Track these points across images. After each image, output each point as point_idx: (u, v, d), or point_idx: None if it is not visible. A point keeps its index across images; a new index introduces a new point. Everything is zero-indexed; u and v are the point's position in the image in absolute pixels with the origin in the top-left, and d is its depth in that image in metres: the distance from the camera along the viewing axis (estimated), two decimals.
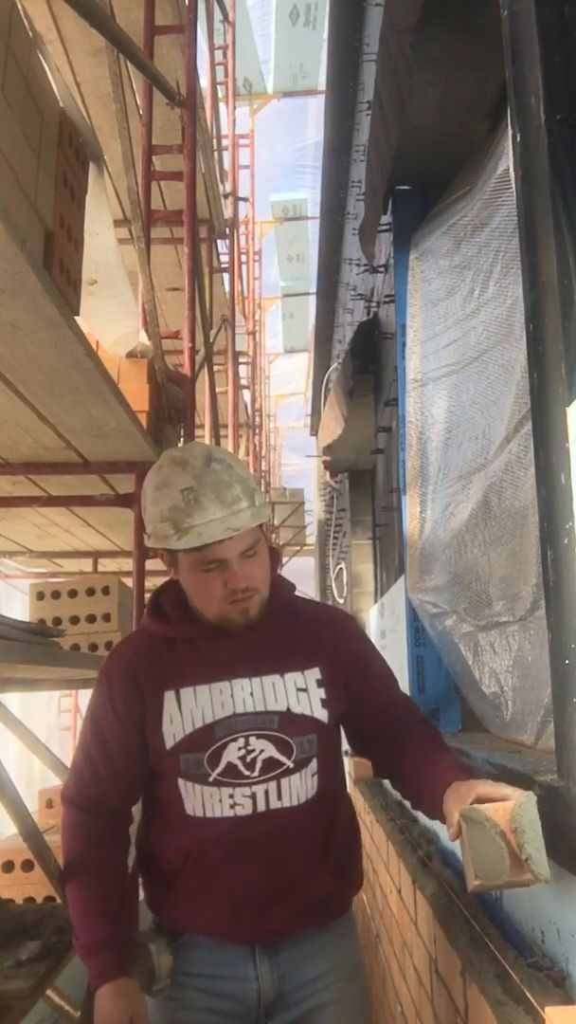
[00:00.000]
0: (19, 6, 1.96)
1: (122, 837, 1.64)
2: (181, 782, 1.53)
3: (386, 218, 3.11)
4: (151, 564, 3.11)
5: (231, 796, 1.52)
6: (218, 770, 1.51)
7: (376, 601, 4.93)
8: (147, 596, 2.59)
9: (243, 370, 8.77)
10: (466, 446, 2.40)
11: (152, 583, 4.14)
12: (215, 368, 5.32)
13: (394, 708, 1.70)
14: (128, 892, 1.67)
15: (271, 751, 1.53)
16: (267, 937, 1.56)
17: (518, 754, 1.86)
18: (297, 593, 1.73)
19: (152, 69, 3.11)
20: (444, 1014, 1.57)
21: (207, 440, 5.13)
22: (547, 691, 1.58)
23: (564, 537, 1.19)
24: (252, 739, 1.53)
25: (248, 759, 1.52)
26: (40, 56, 2.06)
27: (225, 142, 7.23)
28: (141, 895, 1.70)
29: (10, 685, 2.87)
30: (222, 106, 7.07)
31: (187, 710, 1.54)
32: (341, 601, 6.99)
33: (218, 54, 6.92)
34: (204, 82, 5.64)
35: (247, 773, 1.52)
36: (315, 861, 1.57)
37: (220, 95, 6.92)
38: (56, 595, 4.00)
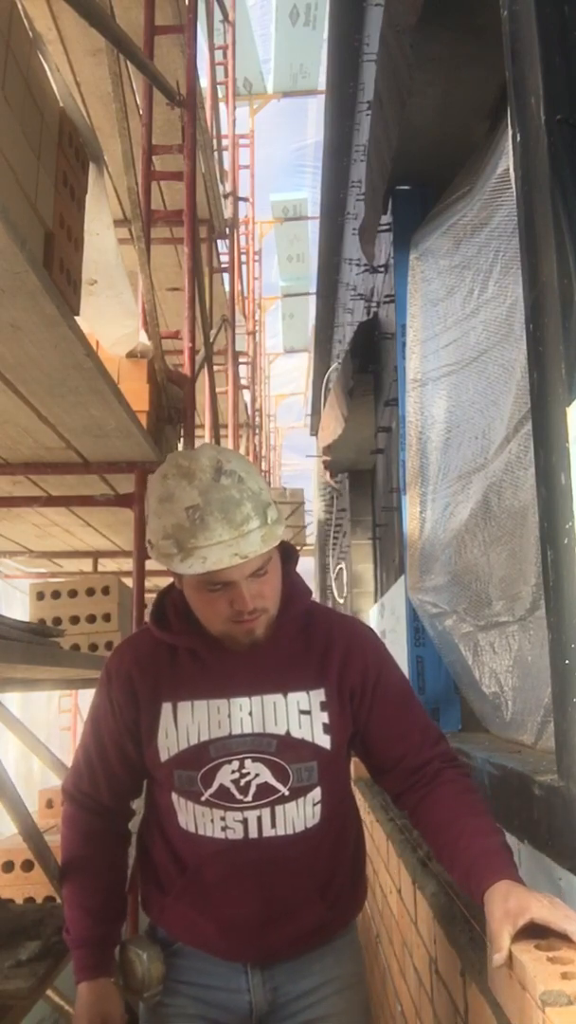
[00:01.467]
0: (19, 6, 1.96)
1: (119, 835, 1.64)
2: (175, 796, 1.50)
3: (386, 218, 3.12)
4: (151, 564, 3.11)
5: (222, 819, 1.47)
6: (211, 791, 1.46)
7: (376, 601, 4.93)
8: (147, 596, 2.59)
9: (243, 370, 8.78)
10: (466, 446, 2.40)
11: (152, 583, 4.14)
12: (215, 368, 5.33)
13: (408, 737, 1.53)
14: (124, 891, 1.66)
15: (266, 776, 1.46)
16: (258, 958, 1.53)
17: (518, 754, 1.86)
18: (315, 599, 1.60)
19: (152, 69, 3.12)
20: (444, 1014, 1.57)
21: (207, 439, 5.13)
22: (547, 691, 1.58)
23: (564, 537, 1.19)
24: (247, 762, 1.46)
25: (242, 783, 1.46)
26: (40, 56, 2.06)
27: (225, 142, 7.24)
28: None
29: (10, 685, 2.87)
30: (222, 106, 7.08)
31: (183, 726, 1.49)
32: (341, 601, 6.99)
33: (218, 54, 6.92)
34: (204, 82, 5.65)
35: (240, 797, 1.46)
36: (315, 892, 1.52)
37: (220, 95, 6.93)
38: (56, 595, 4.01)
